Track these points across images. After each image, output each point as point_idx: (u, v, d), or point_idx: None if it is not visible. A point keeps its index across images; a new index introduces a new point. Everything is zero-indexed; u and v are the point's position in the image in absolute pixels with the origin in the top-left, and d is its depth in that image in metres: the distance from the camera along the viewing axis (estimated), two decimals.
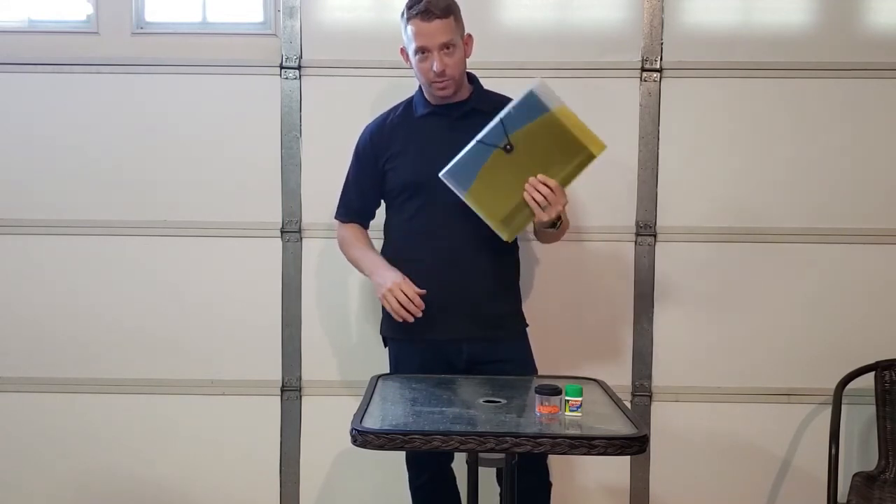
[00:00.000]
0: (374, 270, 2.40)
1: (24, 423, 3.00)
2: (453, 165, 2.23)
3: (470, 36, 2.39)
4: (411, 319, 2.28)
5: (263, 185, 2.93)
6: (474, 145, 2.22)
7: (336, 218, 2.56)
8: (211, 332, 2.97)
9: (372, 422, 1.91)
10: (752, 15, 2.88)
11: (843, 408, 2.79)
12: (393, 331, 2.46)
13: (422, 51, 2.29)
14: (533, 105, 2.20)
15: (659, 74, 2.87)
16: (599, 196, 2.89)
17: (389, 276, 2.33)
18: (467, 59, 2.38)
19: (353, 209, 2.53)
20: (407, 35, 2.32)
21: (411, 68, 2.38)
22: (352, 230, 2.53)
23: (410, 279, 2.34)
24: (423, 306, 2.28)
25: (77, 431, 3.00)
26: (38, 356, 2.98)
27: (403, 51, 2.38)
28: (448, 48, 2.29)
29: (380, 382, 2.28)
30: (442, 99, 2.38)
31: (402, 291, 2.28)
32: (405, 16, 2.31)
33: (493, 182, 2.22)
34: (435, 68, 2.28)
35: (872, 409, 2.82)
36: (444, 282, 2.36)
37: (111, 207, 2.95)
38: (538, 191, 2.20)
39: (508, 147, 2.21)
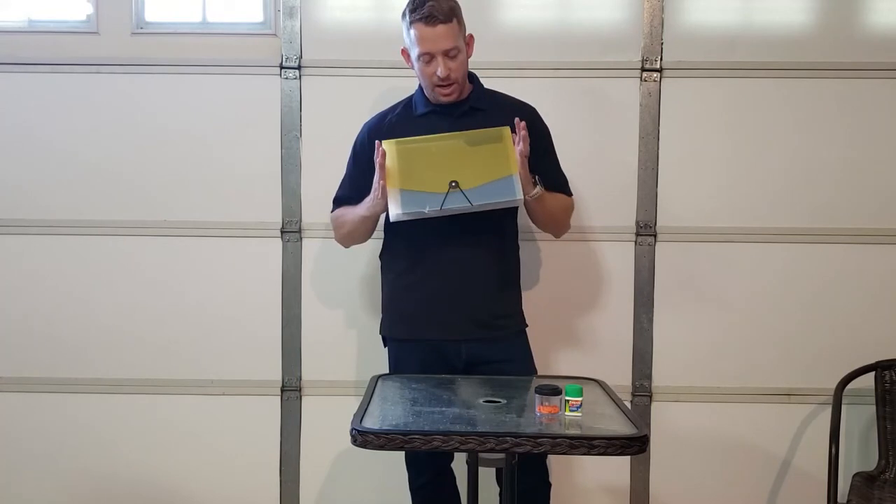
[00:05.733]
0: (361, 208, 2.39)
1: (23, 423, 3.00)
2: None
3: (471, 36, 2.39)
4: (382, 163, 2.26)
5: (263, 185, 2.93)
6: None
7: (331, 213, 2.55)
8: (211, 332, 2.97)
9: (372, 422, 1.91)
10: (752, 15, 2.88)
11: (843, 408, 2.79)
12: (393, 330, 2.47)
13: (426, 56, 2.29)
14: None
15: (659, 74, 2.87)
16: (599, 196, 2.89)
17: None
18: (469, 59, 2.38)
19: (347, 205, 2.52)
20: (410, 38, 2.32)
21: (412, 68, 2.38)
22: (344, 208, 2.50)
23: (410, 279, 2.38)
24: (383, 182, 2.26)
25: (77, 432, 2.99)
26: (37, 356, 2.98)
27: (405, 51, 2.38)
28: (452, 54, 2.29)
29: (380, 382, 2.28)
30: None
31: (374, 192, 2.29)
32: (407, 18, 2.30)
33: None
34: (440, 73, 2.29)
35: (872, 409, 2.82)
36: (444, 281, 2.36)
37: (111, 207, 2.95)
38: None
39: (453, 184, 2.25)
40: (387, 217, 2.44)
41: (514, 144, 2.26)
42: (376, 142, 2.30)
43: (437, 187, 2.24)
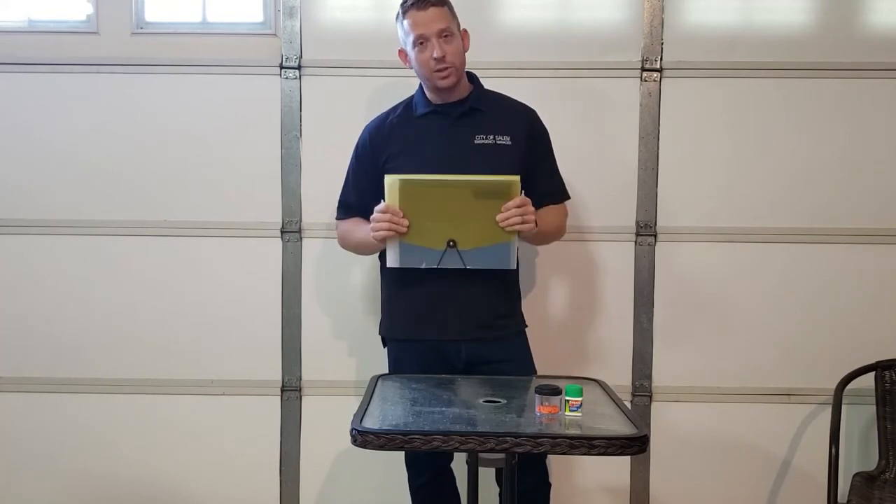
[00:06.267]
0: (364, 231, 2.37)
1: (23, 423, 3.00)
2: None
3: (466, 31, 2.39)
4: (403, 231, 2.24)
5: (263, 185, 2.93)
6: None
7: (337, 219, 2.55)
8: (211, 332, 2.97)
9: (372, 422, 1.91)
10: (752, 15, 2.88)
11: (843, 408, 2.79)
12: (392, 331, 2.47)
13: (420, 40, 2.30)
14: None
15: (659, 74, 2.87)
16: (599, 196, 2.90)
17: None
18: (465, 54, 2.37)
19: (353, 208, 2.51)
20: (404, 30, 2.33)
21: (411, 68, 2.38)
22: (353, 221, 2.49)
23: (409, 279, 2.35)
24: (400, 214, 2.23)
25: (77, 432, 2.99)
26: (37, 356, 2.98)
27: (402, 52, 2.39)
28: (446, 35, 2.30)
29: (380, 382, 2.28)
30: (444, 92, 2.37)
31: (381, 216, 2.25)
32: (401, 13, 2.34)
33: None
34: (435, 54, 2.28)
35: (872, 409, 2.82)
36: (444, 281, 2.35)
37: (111, 207, 2.95)
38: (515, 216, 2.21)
39: (451, 243, 2.26)
40: None
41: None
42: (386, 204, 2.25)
43: (435, 242, 2.25)
